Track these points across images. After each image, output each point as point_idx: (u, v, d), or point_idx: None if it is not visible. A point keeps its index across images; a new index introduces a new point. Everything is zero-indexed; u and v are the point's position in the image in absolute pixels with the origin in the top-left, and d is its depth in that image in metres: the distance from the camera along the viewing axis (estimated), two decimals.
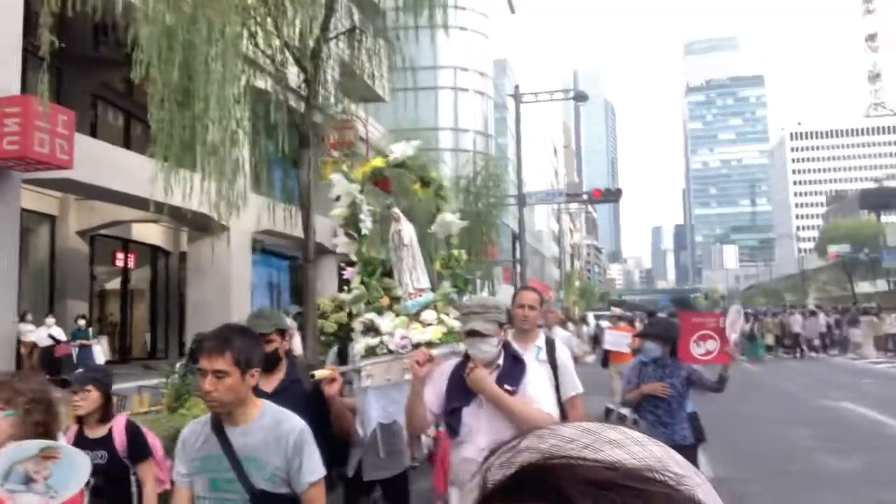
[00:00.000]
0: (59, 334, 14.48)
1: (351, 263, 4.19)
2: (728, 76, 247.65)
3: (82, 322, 15.23)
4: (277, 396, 3.03)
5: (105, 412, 3.31)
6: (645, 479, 0.46)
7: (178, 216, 18.79)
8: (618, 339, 10.02)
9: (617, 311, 13.94)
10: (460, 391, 2.90)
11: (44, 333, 14.14)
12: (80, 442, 3.14)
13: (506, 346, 3.04)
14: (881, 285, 51.08)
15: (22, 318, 13.47)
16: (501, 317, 3.02)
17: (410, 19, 8.17)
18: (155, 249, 23.26)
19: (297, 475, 2.39)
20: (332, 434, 3.37)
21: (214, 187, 7.74)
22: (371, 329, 3.88)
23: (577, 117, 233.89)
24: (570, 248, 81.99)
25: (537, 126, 53.34)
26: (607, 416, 5.78)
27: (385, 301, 4.02)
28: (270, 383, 3.25)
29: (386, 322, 3.86)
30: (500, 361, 2.96)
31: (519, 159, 23.36)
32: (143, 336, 22.84)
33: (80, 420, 3.28)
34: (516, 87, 24.47)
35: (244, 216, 8.80)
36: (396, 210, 4.21)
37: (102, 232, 19.36)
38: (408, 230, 4.12)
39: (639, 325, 14.54)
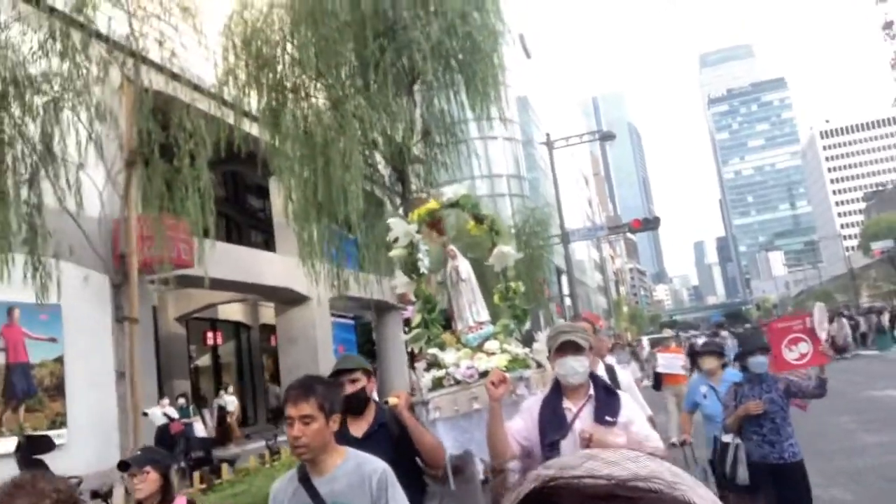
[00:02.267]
0: (173, 413, 15.96)
1: (410, 303, 4.34)
2: (748, 83, 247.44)
3: (182, 400, 16.20)
4: (367, 441, 3.09)
5: (165, 493, 3.22)
6: (635, 488, 0.50)
7: (267, 293, 21.03)
8: (670, 362, 10.07)
9: (668, 332, 14.62)
10: (556, 423, 2.86)
11: (159, 412, 15.77)
12: None
13: (594, 377, 3.00)
14: None
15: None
16: (589, 338, 3.04)
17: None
18: (237, 325, 25.59)
19: None
20: (422, 478, 3.31)
21: (327, 269, 9.71)
22: (435, 364, 3.97)
23: (603, 144, 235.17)
24: (613, 275, 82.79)
25: (566, 159, 55.15)
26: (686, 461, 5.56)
27: (446, 337, 4.16)
28: (360, 427, 3.21)
29: (449, 356, 3.97)
30: (591, 392, 2.92)
31: (558, 201, 25.15)
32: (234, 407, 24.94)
33: (141, 503, 3.18)
34: (547, 134, 26.36)
35: (327, 285, 10.82)
36: (452, 247, 4.35)
37: (196, 315, 21.68)
38: (465, 266, 4.28)
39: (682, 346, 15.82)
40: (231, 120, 9.03)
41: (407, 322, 4.55)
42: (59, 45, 6.50)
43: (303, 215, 8.05)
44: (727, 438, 4.55)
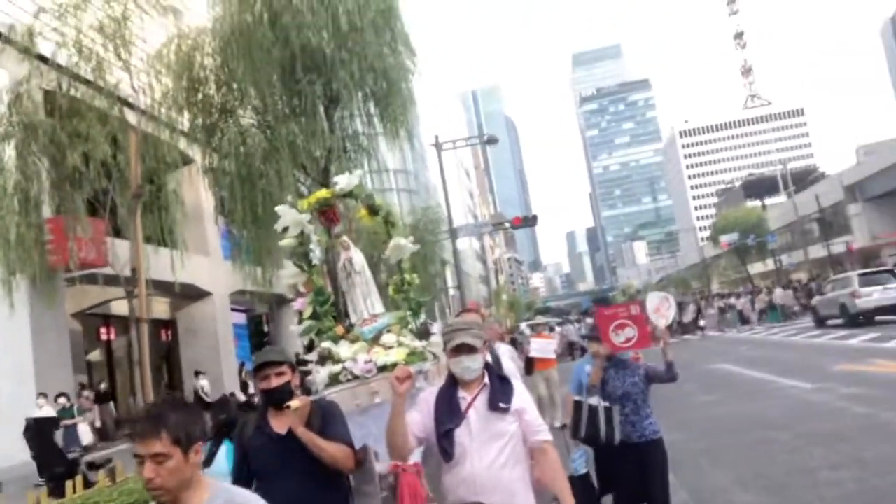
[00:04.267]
0: (50, 412, 13.37)
1: (300, 294, 4.17)
2: (616, 83, 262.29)
3: (63, 399, 13.72)
4: (289, 437, 3.01)
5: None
6: None
7: (166, 288, 21.52)
8: (543, 346, 10.24)
9: (541, 318, 15.63)
10: (451, 413, 2.88)
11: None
12: None
13: (488, 367, 3.05)
14: (770, 265, 57.57)
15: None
16: (483, 334, 3.07)
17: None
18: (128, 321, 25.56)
19: None
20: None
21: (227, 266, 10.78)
22: (328, 357, 3.86)
23: (481, 136, 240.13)
24: (493, 265, 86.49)
25: (450, 154, 57.34)
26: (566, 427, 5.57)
27: (340, 329, 4.05)
28: (283, 424, 3.07)
29: (344, 349, 3.89)
30: (487, 381, 2.97)
31: (447, 201, 27.04)
32: (127, 403, 24.99)
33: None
34: (436, 136, 28.14)
35: (228, 281, 11.92)
36: (346, 238, 4.26)
37: (90, 312, 21.74)
38: (358, 258, 4.19)
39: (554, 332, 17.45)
40: (164, 135, 10.04)
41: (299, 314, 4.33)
42: None
43: (240, 224, 9.26)
44: (594, 401, 4.71)
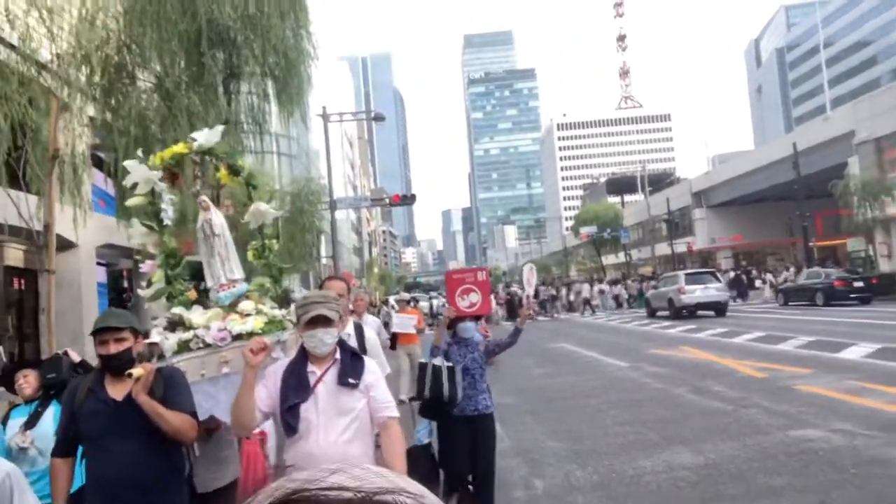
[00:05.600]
0: None
1: (150, 256, 3.99)
2: (504, 69, 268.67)
3: None
4: (126, 405, 2.92)
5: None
6: (382, 502, 0.50)
7: (27, 236, 21.00)
8: (404, 322, 10.37)
9: (405, 294, 15.70)
10: (298, 387, 2.84)
11: None
12: None
13: (341, 342, 3.00)
14: (622, 257, 62.62)
15: None
16: (340, 308, 3.00)
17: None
18: None
19: None
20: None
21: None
22: (179, 324, 3.69)
23: (369, 107, 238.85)
24: (367, 237, 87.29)
25: (335, 124, 57.37)
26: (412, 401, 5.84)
27: (192, 294, 3.87)
28: (120, 390, 2.98)
29: (197, 315, 3.70)
30: (338, 356, 2.93)
31: (329, 172, 27.79)
32: None
33: None
34: (324, 108, 28.71)
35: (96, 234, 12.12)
36: (205, 198, 3.97)
37: None
38: (218, 219, 3.94)
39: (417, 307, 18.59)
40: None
41: (145, 277, 4.16)
42: None
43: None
44: (437, 362, 4.80)
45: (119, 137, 10.63)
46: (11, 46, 7.87)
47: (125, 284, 30.43)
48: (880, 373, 9.96)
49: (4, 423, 4.25)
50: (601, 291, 38.25)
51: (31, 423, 4.04)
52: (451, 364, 4.81)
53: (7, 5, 8.00)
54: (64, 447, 3.06)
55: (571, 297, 38.42)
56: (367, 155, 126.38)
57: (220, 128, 4.17)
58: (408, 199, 29.23)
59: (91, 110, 11.37)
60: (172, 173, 4.09)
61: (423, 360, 5.02)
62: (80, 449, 3.09)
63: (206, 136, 4.05)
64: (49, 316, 7.93)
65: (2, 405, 8.11)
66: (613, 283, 42.57)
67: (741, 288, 34.30)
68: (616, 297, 38.19)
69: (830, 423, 7.25)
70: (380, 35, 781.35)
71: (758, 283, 35.89)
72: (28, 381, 4.27)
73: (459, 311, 4.88)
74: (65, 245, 21.41)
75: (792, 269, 35.02)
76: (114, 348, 2.98)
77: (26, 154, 9.00)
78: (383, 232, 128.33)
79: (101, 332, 3.00)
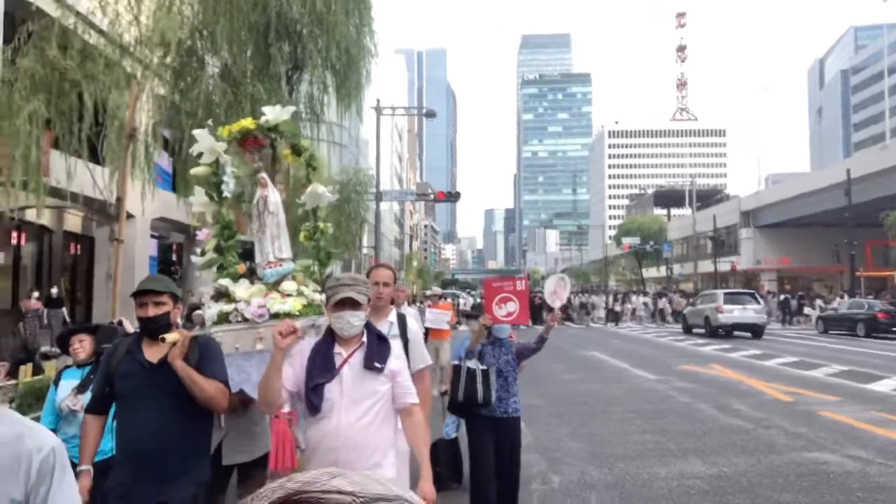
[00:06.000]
0: None
1: (207, 225, 4.05)
2: (559, 72, 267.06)
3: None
4: (161, 368, 2.99)
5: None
6: None
7: (89, 204, 22.12)
8: (437, 317, 10.39)
9: (437, 290, 15.48)
10: (324, 367, 2.88)
11: None
12: None
13: (368, 325, 3.03)
14: (663, 271, 62.02)
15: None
16: (369, 292, 3.03)
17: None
18: (41, 229, 25.69)
19: None
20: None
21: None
22: (224, 295, 3.74)
23: (421, 100, 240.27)
24: (409, 230, 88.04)
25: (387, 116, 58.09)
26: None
27: (241, 267, 3.91)
28: (156, 353, 3.05)
29: (241, 289, 3.74)
30: (365, 339, 2.96)
31: (378, 165, 28.36)
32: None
33: None
34: (378, 100, 29.27)
35: (153, 206, 12.75)
36: (264, 175, 4.02)
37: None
38: (274, 197, 3.99)
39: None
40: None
41: (200, 245, 4.22)
42: None
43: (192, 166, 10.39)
44: (472, 364, 4.85)
45: (186, 119, 11.25)
46: (101, 32, 8.48)
47: (174, 258, 31.59)
48: None
49: (56, 383, 4.37)
50: (645, 304, 38.26)
51: (83, 388, 4.11)
52: (485, 367, 4.84)
53: None
54: (97, 404, 3.15)
55: (618, 308, 38.34)
56: (415, 148, 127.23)
57: (290, 108, 4.23)
58: (452, 197, 29.64)
59: (161, 90, 12.03)
60: (243, 144, 4.13)
61: (456, 362, 5.01)
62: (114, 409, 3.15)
63: (275, 113, 4.10)
64: (116, 283, 8.55)
65: (51, 365, 8.76)
66: (659, 295, 42.24)
67: (787, 311, 33.73)
68: (661, 312, 37.65)
69: (847, 449, 7.41)
70: (436, 30, 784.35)
71: (807, 309, 34.58)
72: (83, 345, 4.36)
73: (496, 320, 4.81)
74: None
75: (846, 297, 34.10)
76: (152, 311, 3.04)
77: (104, 130, 9.64)
78: (425, 226, 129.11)
79: (141, 295, 3.06)
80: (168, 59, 11.50)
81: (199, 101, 11.15)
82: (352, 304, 2.88)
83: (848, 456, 7.11)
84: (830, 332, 26.61)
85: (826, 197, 41.06)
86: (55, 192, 13.23)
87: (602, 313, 37.25)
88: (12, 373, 9.02)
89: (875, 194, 35.37)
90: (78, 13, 8.63)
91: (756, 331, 24.47)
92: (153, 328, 3.05)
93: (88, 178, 11.61)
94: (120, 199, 9.33)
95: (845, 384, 12.34)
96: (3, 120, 7.51)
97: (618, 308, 38.11)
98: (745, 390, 11.83)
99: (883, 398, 10.87)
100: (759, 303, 25.96)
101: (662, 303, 38.79)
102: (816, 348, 20.08)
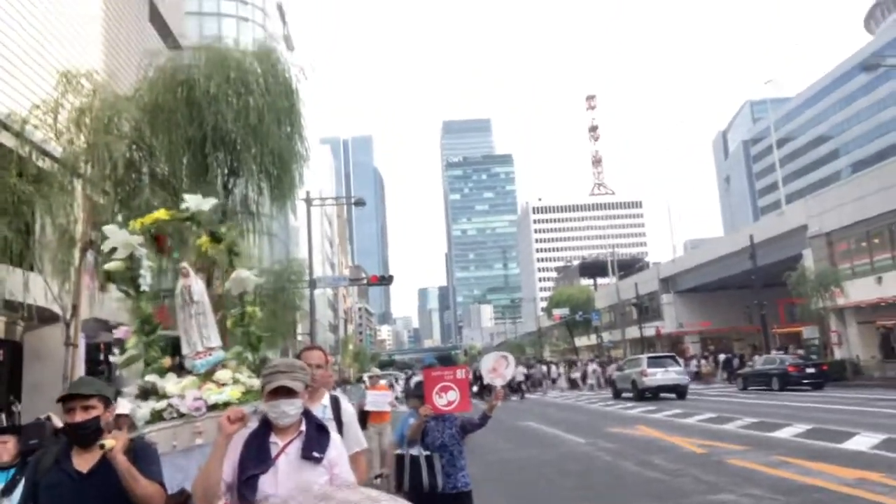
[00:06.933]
0: None
1: (122, 323, 3.95)
2: (482, 154, 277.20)
3: None
4: (92, 477, 2.80)
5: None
6: None
7: (12, 308, 21.90)
8: (377, 399, 10.11)
9: (377, 370, 15.55)
10: (258, 458, 2.72)
11: None
12: None
13: (307, 413, 2.90)
14: (594, 339, 63.98)
15: None
16: (307, 378, 2.94)
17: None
18: None
19: None
20: None
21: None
22: (151, 392, 3.64)
23: (349, 186, 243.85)
24: (343, 314, 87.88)
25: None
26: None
27: (167, 361, 3.85)
28: (86, 462, 2.82)
29: (171, 384, 3.65)
30: (303, 428, 2.83)
31: (310, 253, 29.11)
32: None
33: None
34: (307, 192, 30.26)
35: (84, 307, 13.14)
36: (185, 265, 3.97)
37: None
38: (198, 286, 3.95)
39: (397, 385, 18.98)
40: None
41: (119, 343, 4.15)
42: None
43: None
44: (415, 451, 4.83)
45: (126, 226, 11.88)
46: (53, 157, 9.21)
47: (101, 357, 30.92)
48: (803, 449, 11.20)
49: None
50: (594, 371, 40.02)
51: (7, 491, 3.90)
52: (428, 453, 4.85)
53: (55, 120, 9.37)
54: None
55: (574, 375, 41.00)
56: (345, 233, 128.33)
57: (211, 200, 4.22)
58: (385, 280, 30.50)
59: (101, 200, 12.66)
60: (156, 238, 4.11)
61: (399, 451, 4.99)
62: None
63: (196, 202, 4.09)
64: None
65: None
66: (606, 363, 44.16)
67: (731, 369, 36.52)
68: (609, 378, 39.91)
69: (745, 489, 8.43)
70: (362, 118, 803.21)
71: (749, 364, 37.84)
72: (6, 447, 4.17)
73: (437, 410, 4.83)
74: (50, 318, 22.27)
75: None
76: (80, 417, 2.83)
77: (50, 243, 10.18)
78: (359, 309, 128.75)
79: (68, 400, 2.85)
80: (107, 171, 12.19)
81: (139, 209, 11.83)
82: (287, 392, 2.76)
83: (745, 494, 8.12)
84: (749, 388, 28.29)
85: (735, 261, 43.96)
86: None
87: (564, 383, 39.36)
88: None
89: (777, 257, 38.25)
90: (29, 141, 9.37)
91: (680, 391, 25.85)
92: (82, 434, 2.84)
93: (15, 284, 11.94)
94: (75, 307, 9.81)
95: (753, 434, 13.55)
96: None
97: (575, 375, 40.01)
98: (665, 446, 12.85)
99: (784, 443, 12.07)
100: (679, 365, 27.50)
101: (611, 370, 40.67)
102: (734, 404, 21.50)
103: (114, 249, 3.93)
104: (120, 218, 12.03)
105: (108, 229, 3.96)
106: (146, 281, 3.96)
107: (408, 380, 35.55)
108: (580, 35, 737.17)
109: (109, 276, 4.11)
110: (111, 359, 4.08)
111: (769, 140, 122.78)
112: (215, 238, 4.16)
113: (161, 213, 4.09)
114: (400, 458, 4.94)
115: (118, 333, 4.03)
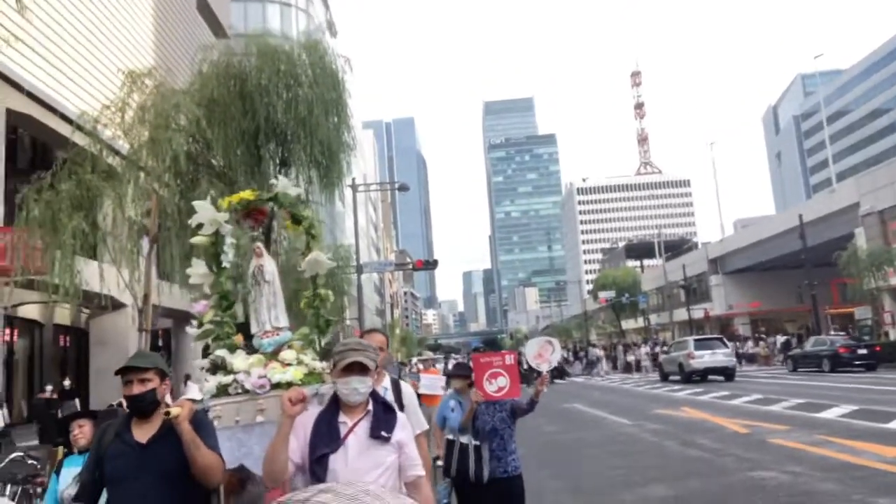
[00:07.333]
0: None
1: (205, 297, 4.09)
2: (525, 135, 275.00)
3: None
4: (151, 447, 2.91)
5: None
6: None
7: (91, 298, 23.09)
8: (432, 383, 10.27)
9: (430, 354, 16.54)
10: (328, 437, 2.77)
11: None
12: None
13: (373, 393, 2.94)
14: (641, 321, 63.51)
15: None
16: (377, 358, 2.97)
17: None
18: (31, 323, 26.45)
19: None
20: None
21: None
22: (221, 367, 3.72)
23: (392, 170, 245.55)
24: (389, 299, 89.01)
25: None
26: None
27: (238, 338, 3.91)
28: (146, 432, 2.95)
29: (239, 360, 3.72)
30: (370, 408, 2.87)
31: (357, 239, 29.74)
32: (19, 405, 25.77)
33: None
34: (353, 179, 30.87)
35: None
36: (260, 245, 4.05)
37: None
38: (270, 266, 4.01)
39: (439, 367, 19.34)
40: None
41: (197, 317, 4.18)
42: None
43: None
44: (465, 440, 4.84)
45: (187, 216, 12.51)
46: (124, 157, 9.85)
47: (160, 343, 32.32)
48: (846, 429, 11.25)
49: (58, 472, 4.28)
50: (647, 353, 39.90)
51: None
52: (478, 443, 4.82)
53: (122, 118, 9.99)
54: (86, 491, 3.01)
55: (630, 358, 40.44)
56: (389, 218, 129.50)
57: (298, 189, 4.38)
58: (430, 265, 30.98)
59: (165, 192, 13.34)
60: (258, 211, 4.24)
61: (450, 436, 5.02)
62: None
63: (284, 184, 4.24)
64: None
65: (55, 452, 9.40)
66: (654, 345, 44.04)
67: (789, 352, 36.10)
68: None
69: (786, 466, 8.61)
70: (403, 101, 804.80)
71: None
72: (83, 431, 4.31)
73: (488, 396, 4.78)
74: (115, 305, 23.39)
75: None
76: (137, 389, 2.94)
77: (120, 235, 10.89)
78: (405, 293, 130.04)
79: (125, 373, 2.97)
80: (167, 164, 12.84)
81: (200, 199, 12.47)
82: (360, 369, 2.80)
83: (784, 472, 8.31)
84: (799, 369, 27.95)
85: (785, 241, 43.13)
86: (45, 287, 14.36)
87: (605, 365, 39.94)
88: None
89: (829, 235, 37.43)
90: (100, 140, 10.03)
91: (727, 373, 25.72)
92: (139, 406, 2.97)
93: (91, 275, 12.75)
94: (147, 295, 10.47)
95: (798, 415, 13.59)
96: (47, 236, 8.75)
97: (630, 359, 40.12)
98: (709, 427, 13.01)
99: (828, 423, 12.11)
100: (727, 347, 27.31)
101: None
102: (782, 386, 21.37)
103: (200, 226, 4.03)
104: (179, 205, 12.75)
105: (198, 204, 4.08)
106: (228, 258, 4.05)
107: (446, 361, 35.78)
108: (624, 9, 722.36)
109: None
110: (188, 329, 4.17)
111: (821, 115, 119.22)
112: (296, 219, 4.29)
113: (247, 194, 4.22)
114: (450, 444, 4.99)
115: (197, 307, 4.08)
